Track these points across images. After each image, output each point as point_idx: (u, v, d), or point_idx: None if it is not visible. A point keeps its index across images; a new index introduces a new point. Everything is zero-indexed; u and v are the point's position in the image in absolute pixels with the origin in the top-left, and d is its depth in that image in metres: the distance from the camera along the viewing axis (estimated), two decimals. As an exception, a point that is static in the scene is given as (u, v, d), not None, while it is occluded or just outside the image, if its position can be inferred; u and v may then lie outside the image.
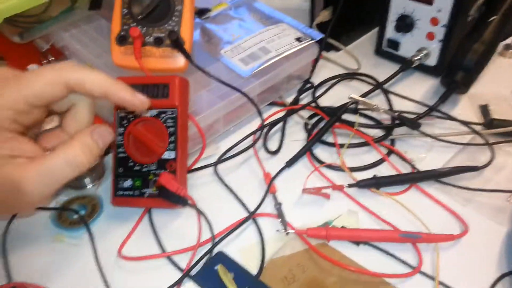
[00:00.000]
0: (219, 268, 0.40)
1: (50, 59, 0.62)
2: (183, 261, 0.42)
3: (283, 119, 0.58)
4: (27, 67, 0.59)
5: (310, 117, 0.59)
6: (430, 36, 0.62)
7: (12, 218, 0.45)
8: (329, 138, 0.56)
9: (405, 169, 0.51)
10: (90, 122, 0.39)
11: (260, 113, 0.54)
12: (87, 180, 0.50)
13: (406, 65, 0.63)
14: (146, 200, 0.45)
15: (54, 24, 0.61)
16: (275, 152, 0.55)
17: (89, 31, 0.60)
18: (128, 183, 0.45)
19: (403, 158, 0.53)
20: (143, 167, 0.45)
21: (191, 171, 0.51)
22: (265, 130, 0.57)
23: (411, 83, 0.65)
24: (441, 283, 0.39)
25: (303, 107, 0.59)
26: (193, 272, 0.41)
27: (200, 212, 0.44)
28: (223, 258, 0.42)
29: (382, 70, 0.65)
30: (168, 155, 0.45)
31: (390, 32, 0.66)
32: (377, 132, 0.56)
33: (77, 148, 0.35)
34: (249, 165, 0.53)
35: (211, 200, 0.48)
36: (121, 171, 0.46)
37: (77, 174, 0.35)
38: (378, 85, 0.62)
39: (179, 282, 0.40)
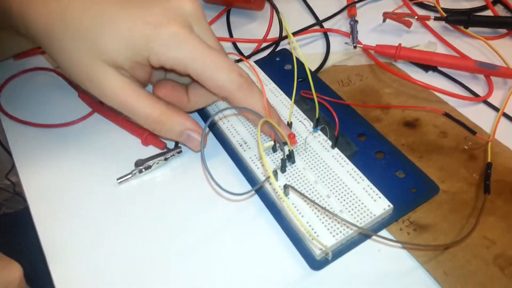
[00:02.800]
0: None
1: None
2: (248, 51, 0.44)
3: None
4: None
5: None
6: None
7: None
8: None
9: (507, 19, 0.46)
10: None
11: None
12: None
13: None
14: (227, -7, 0.47)
15: None
16: (366, -15, 0.52)
17: None
18: (213, -25, 0.47)
19: (510, 9, 0.46)
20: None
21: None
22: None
23: None
24: (505, 114, 0.37)
25: None
26: (255, 58, 0.43)
27: (274, 8, 0.45)
28: (286, 54, 0.43)
29: None
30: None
31: None
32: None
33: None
34: (335, -7, 0.52)
35: (290, 12, 0.48)
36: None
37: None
38: None
39: (239, 60, 0.42)
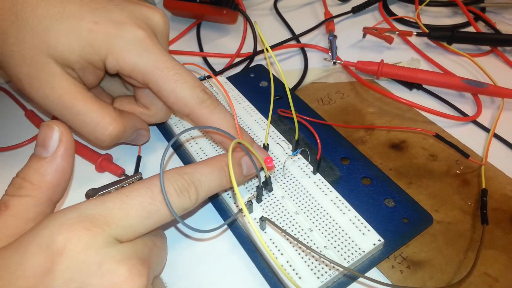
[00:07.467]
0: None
1: None
2: (220, 67, 0.40)
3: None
4: None
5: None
6: None
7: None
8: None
9: (490, 36, 0.44)
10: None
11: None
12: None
13: None
14: (198, 5, 0.43)
15: None
16: (345, 0, 0.50)
17: None
18: (182, -15, 0.44)
19: (492, 26, 0.45)
20: (199, -30, 0.43)
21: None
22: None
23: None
24: (496, 135, 0.34)
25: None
26: (227, 74, 0.39)
27: (248, 20, 0.41)
28: (261, 70, 0.39)
29: None
30: (227, -38, 0.42)
31: None
32: None
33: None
34: (312, 8, 0.49)
35: (264, 27, 0.45)
36: (178, -27, 0.44)
37: None
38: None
39: (208, 77, 0.37)
